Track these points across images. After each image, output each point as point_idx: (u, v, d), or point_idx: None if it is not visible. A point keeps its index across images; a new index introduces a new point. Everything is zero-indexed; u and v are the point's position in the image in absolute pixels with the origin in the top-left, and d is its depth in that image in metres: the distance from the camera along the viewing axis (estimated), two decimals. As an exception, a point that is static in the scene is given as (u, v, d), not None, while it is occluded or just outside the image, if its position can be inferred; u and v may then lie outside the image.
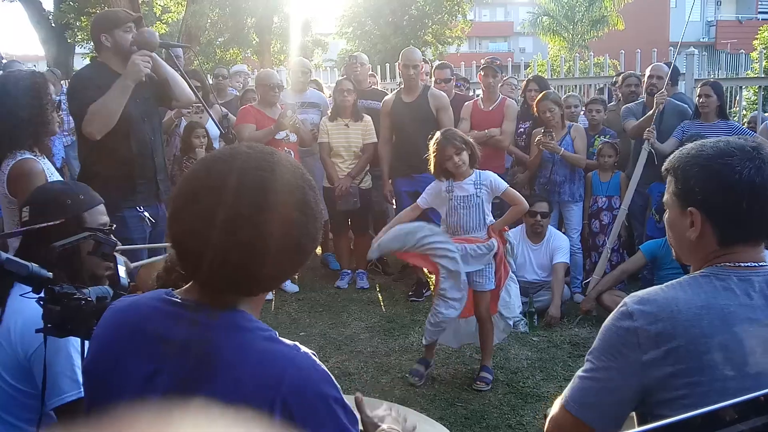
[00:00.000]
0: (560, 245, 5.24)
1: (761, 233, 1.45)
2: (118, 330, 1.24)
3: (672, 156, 1.54)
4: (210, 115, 4.40)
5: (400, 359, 4.37)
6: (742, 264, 1.42)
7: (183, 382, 1.13)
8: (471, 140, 4.03)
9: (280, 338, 1.19)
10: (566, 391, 1.48)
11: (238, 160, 1.16)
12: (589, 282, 5.26)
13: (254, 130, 5.42)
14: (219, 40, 19.07)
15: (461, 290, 3.88)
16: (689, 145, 1.52)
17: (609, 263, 5.30)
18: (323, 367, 1.18)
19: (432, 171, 4.02)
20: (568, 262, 5.26)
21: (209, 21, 17.68)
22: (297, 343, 1.19)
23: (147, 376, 1.16)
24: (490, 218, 4.02)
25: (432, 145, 3.97)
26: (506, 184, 4.09)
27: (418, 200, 4.17)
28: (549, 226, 5.33)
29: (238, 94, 7.15)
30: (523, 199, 4.12)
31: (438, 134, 3.99)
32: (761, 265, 1.43)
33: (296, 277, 6.12)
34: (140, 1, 15.52)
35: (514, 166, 5.95)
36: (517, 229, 5.36)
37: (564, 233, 5.51)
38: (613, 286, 5.00)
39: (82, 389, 1.74)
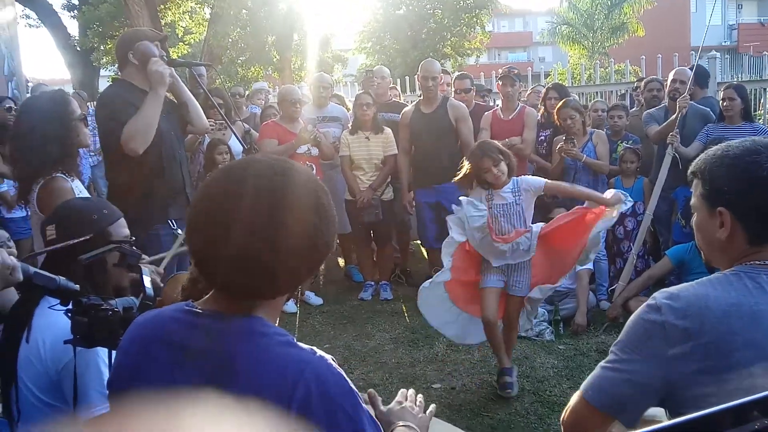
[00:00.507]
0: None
1: None
2: (140, 343, 1.28)
3: (698, 159, 1.54)
4: (233, 131, 4.46)
5: (425, 370, 4.36)
6: None
7: (205, 392, 1.15)
8: (507, 150, 4.02)
9: (297, 343, 1.21)
10: (586, 381, 1.49)
11: (253, 166, 1.21)
12: (614, 289, 5.21)
13: (276, 145, 5.48)
14: (240, 58, 19.33)
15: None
16: (714, 148, 1.52)
17: (634, 269, 5.24)
18: (340, 370, 1.20)
19: (463, 182, 4.03)
20: (592, 268, 5.22)
21: (230, 40, 17.95)
22: (314, 348, 1.21)
23: (167, 386, 1.19)
24: (530, 220, 3.99)
25: (468, 158, 3.96)
26: (543, 179, 4.07)
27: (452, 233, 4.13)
28: (572, 233, 5.29)
29: (258, 110, 7.25)
30: (564, 182, 4.19)
31: (474, 147, 3.99)
32: None
33: (320, 289, 6.16)
34: (163, 23, 15.84)
35: (535, 175, 5.93)
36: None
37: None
38: (640, 293, 4.94)
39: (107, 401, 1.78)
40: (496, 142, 4.14)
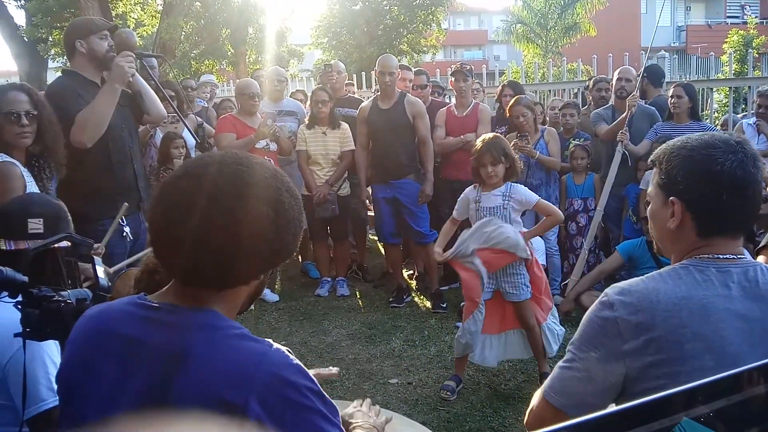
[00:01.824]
0: (536, 247, 5.24)
1: (740, 227, 1.48)
2: (91, 335, 1.26)
3: (659, 148, 1.56)
4: (186, 125, 4.39)
5: (382, 365, 4.37)
6: (721, 256, 1.44)
7: (156, 383, 1.15)
8: (514, 155, 3.96)
9: (252, 335, 1.20)
10: (546, 382, 1.49)
11: (216, 157, 1.23)
12: (567, 283, 5.31)
13: (234, 139, 5.41)
14: (194, 52, 18.99)
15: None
16: (676, 138, 1.53)
17: (586, 264, 5.35)
18: (297, 361, 1.19)
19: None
20: (545, 263, 5.30)
21: (183, 33, 17.60)
22: (270, 340, 1.21)
23: (120, 379, 1.18)
24: (521, 229, 3.96)
25: (474, 149, 3.94)
26: (537, 196, 4.01)
27: (453, 213, 4.15)
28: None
29: (205, 104, 7.14)
30: (558, 210, 4.11)
31: (483, 139, 3.94)
32: (739, 257, 1.45)
33: (276, 286, 6.11)
34: (113, 14, 15.45)
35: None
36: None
37: (541, 236, 5.54)
38: (591, 287, 5.03)
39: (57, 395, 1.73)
40: (506, 142, 4.04)
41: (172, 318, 1.19)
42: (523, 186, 4.04)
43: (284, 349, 1.21)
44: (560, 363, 1.48)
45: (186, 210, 1.14)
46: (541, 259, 5.25)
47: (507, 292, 3.88)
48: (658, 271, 1.47)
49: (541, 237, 5.47)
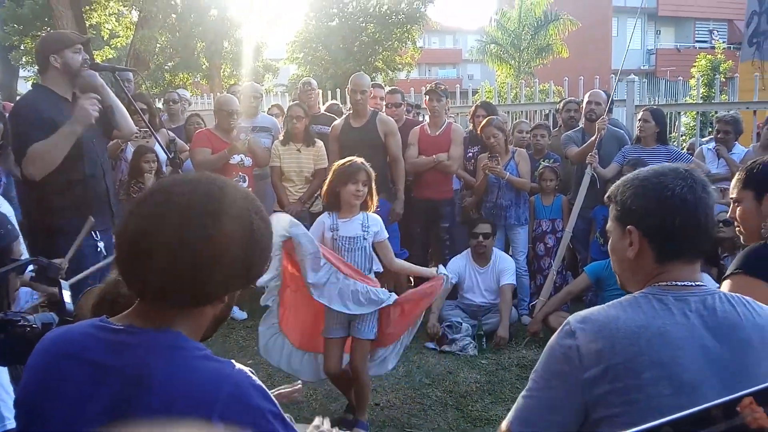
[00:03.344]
0: (506, 267, 5.33)
1: (695, 250, 1.52)
2: (51, 359, 1.24)
3: (613, 185, 1.62)
4: (156, 139, 4.36)
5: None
6: (679, 283, 1.48)
7: (118, 406, 1.14)
8: (373, 176, 3.67)
9: (215, 356, 1.20)
10: (511, 413, 1.50)
11: (189, 176, 1.27)
12: (535, 304, 5.35)
13: (209, 154, 5.38)
14: (168, 64, 18.90)
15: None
16: (627, 175, 1.60)
17: (554, 285, 5.40)
18: (259, 382, 1.20)
19: (323, 196, 3.78)
20: (515, 283, 5.35)
21: (158, 46, 17.53)
22: (232, 360, 1.21)
23: (81, 402, 1.17)
24: (377, 265, 3.77)
25: (337, 165, 3.69)
26: (387, 235, 3.79)
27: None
28: (495, 248, 5.42)
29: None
30: (393, 256, 3.83)
31: (351, 159, 3.70)
32: (697, 285, 1.49)
33: (245, 303, 6.05)
34: (87, 25, 15.33)
35: (463, 190, 6.04)
36: (464, 253, 5.44)
37: (511, 256, 5.60)
38: (559, 308, 5.09)
39: (15, 421, 1.70)
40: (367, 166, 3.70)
41: (134, 340, 1.18)
42: (378, 217, 3.76)
43: (247, 369, 1.21)
44: (523, 392, 1.49)
45: (156, 228, 1.15)
46: (511, 279, 5.30)
47: (355, 326, 3.65)
48: (618, 300, 1.50)
49: (510, 257, 5.54)
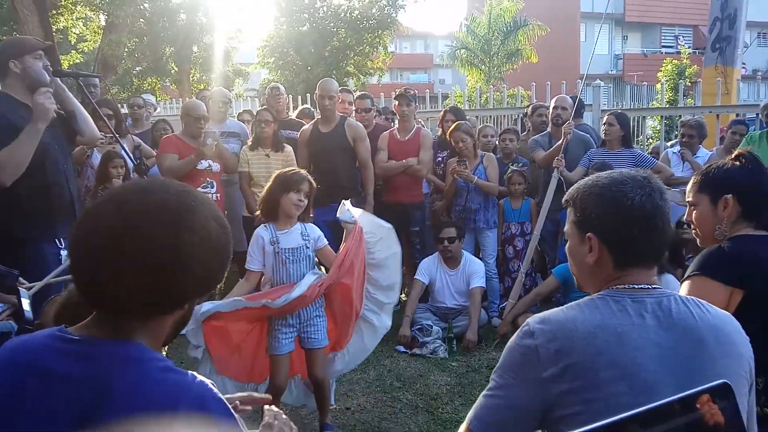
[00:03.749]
0: (476, 270, 5.37)
1: (652, 257, 1.55)
2: (8, 371, 1.21)
3: (572, 188, 1.64)
4: (122, 146, 4.31)
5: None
6: (636, 286, 1.51)
7: (78, 419, 1.12)
8: (314, 186, 3.60)
9: (176, 368, 1.19)
10: (471, 411, 1.52)
11: (142, 184, 1.26)
12: (505, 306, 5.40)
13: (176, 159, 5.33)
14: (136, 69, 18.70)
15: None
16: (586, 178, 1.62)
17: (523, 287, 5.46)
18: (219, 395, 1.19)
19: (259, 209, 3.68)
20: (484, 285, 5.39)
21: (126, 50, 17.34)
22: (194, 372, 1.20)
23: (40, 415, 1.14)
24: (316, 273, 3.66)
25: (278, 174, 3.61)
26: (326, 241, 3.71)
27: (249, 264, 3.59)
28: (464, 251, 5.45)
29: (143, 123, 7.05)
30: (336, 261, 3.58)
31: (293, 169, 3.63)
32: (653, 287, 1.52)
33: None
34: (54, 29, 15.10)
35: (433, 194, 6.08)
36: (434, 256, 5.47)
37: (480, 259, 5.64)
38: (528, 309, 5.14)
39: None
40: (303, 171, 3.67)
41: (93, 351, 1.16)
42: (316, 228, 3.70)
43: (207, 381, 1.20)
44: (484, 392, 1.51)
45: (107, 237, 1.13)
46: (481, 282, 5.34)
47: (306, 338, 3.58)
48: (577, 301, 1.52)
49: (480, 260, 5.58)
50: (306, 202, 3.52)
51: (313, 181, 3.60)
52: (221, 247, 1.23)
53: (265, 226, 3.59)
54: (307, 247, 3.56)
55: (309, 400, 3.84)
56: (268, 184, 3.62)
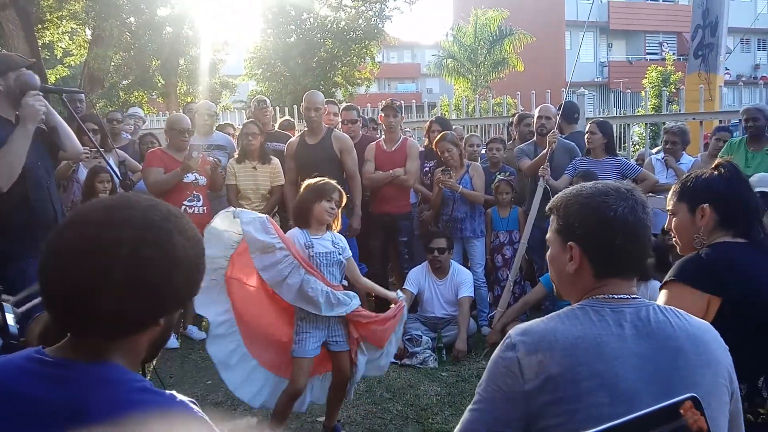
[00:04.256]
0: (464, 279, 5.38)
1: (632, 269, 1.57)
2: None
3: (556, 196, 1.65)
4: (105, 161, 4.30)
5: (311, 404, 4.31)
6: (615, 296, 1.52)
7: None
8: (344, 194, 3.74)
9: (155, 388, 1.18)
10: (458, 426, 1.52)
11: (105, 201, 1.22)
12: (494, 315, 5.41)
13: (162, 173, 5.33)
14: (123, 82, 18.65)
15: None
16: (570, 188, 1.64)
17: (512, 295, 5.47)
18: (201, 414, 1.18)
19: (292, 216, 3.76)
20: (473, 295, 5.40)
21: (113, 64, 17.30)
22: (173, 392, 1.19)
23: None
24: (344, 282, 3.79)
25: (307, 184, 3.70)
26: (351, 252, 3.82)
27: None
28: (452, 261, 5.46)
29: (129, 137, 7.03)
30: (359, 272, 3.88)
31: (320, 179, 3.71)
32: (633, 297, 1.53)
33: (203, 323, 5.98)
34: (40, 44, 15.05)
35: (420, 204, 6.09)
36: (422, 266, 5.48)
37: (468, 268, 5.65)
38: (517, 318, 5.15)
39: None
40: (333, 182, 3.74)
41: (69, 374, 1.15)
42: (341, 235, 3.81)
43: (187, 400, 1.19)
44: (469, 406, 1.52)
45: (69, 257, 1.12)
46: (469, 291, 5.35)
47: (330, 340, 3.64)
48: (557, 312, 1.54)
49: (468, 269, 5.59)
50: (337, 210, 3.63)
51: (343, 192, 3.71)
52: (189, 261, 1.21)
53: (300, 230, 3.65)
54: (340, 254, 3.65)
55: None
56: (300, 192, 3.72)
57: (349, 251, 3.77)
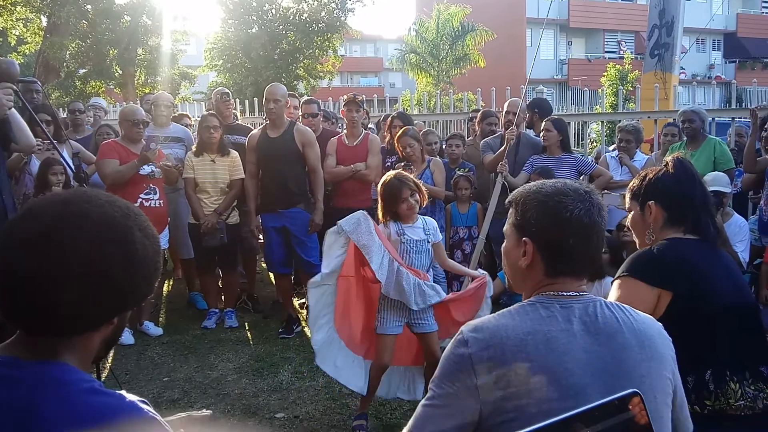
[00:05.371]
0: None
1: (584, 269, 1.60)
2: None
3: (516, 190, 1.67)
4: (59, 153, 4.20)
5: (269, 399, 4.30)
6: (565, 293, 1.55)
7: None
8: (421, 185, 3.86)
9: (104, 389, 1.16)
10: (411, 421, 1.53)
11: (62, 195, 1.18)
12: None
13: (117, 165, 5.23)
14: (80, 72, 18.22)
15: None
16: (532, 183, 1.66)
17: (471, 290, 5.51)
18: (152, 413, 1.16)
19: (380, 215, 3.85)
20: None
21: (69, 52, 16.89)
22: (123, 392, 1.17)
23: None
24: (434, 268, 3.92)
25: (381, 186, 3.82)
26: (441, 236, 4.02)
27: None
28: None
29: (91, 128, 6.89)
30: (446, 255, 4.11)
31: (390, 176, 3.82)
32: (582, 294, 1.57)
33: (160, 318, 5.92)
34: (-9, 31, 14.62)
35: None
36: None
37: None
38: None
39: None
40: (409, 175, 3.93)
41: (16, 373, 1.12)
42: (434, 221, 3.99)
43: (138, 400, 1.17)
44: (422, 401, 1.53)
45: (24, 252, 1.09)
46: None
47: (416, 323, 3.78)
48: (508, 308, 1.56)
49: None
50: (416, 200, 3.75)
51: (411, 179, 3.80)
52: (147, 258, 1.19)
53: (393, 222, 3.79)
54: (428, 241, 3.81)
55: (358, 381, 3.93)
56: (379, 200, 3.83)
57: (439, 235, 3.94)
